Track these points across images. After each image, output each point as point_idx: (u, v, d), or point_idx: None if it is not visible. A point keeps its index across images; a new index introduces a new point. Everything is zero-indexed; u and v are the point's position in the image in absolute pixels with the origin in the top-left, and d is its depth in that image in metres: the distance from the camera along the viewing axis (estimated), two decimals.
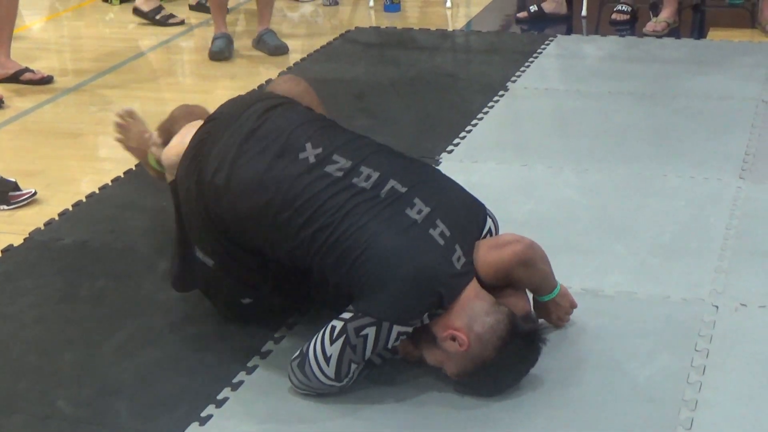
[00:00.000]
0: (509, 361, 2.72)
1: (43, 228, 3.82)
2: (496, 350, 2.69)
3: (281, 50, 6.05)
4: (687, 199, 3.92)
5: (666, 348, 2.98)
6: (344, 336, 2.67)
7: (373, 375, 2.86)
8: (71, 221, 3.88)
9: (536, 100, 5.14)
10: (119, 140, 3.75)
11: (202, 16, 6.85)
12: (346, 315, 2.69)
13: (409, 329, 2.70)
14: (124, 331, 3.13)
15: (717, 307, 3.18)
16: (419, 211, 2.76)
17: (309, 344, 2.75)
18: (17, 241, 3.72)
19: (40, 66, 5.68)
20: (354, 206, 2.75)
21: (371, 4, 7.12)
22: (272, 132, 2.93)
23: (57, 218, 3.90)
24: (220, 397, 2.80)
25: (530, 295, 2.98)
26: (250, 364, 2.94)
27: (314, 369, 2.72)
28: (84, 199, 4.05)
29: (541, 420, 2.70)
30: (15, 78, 5.49)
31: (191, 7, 7.07)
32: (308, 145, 2.87)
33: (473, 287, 2.75)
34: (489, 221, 2.93)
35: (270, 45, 6.05)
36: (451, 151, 4.40)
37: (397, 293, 2.65)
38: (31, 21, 7.07)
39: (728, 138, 4.50)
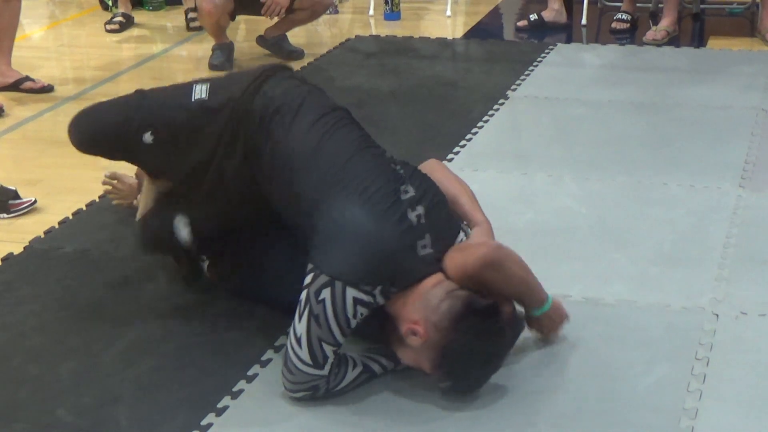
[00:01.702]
0: (468, 340, 2.67)
1: (43, 236, 3.82)
2: (453, 332, 2.66)
3: (297, 55, 6.08)
4: (687, 207, 3.92)
5: (666, 356, 2.98)
6: (308, 307, 2.70)
7: (374, 385, 2.86)
8: (71, 230, 3.88)
9: (536, 108, 5.14)
10: (118, 204, 3.87)
11: None
12: (307, 280, 2.72)
13: (364, 298, 2.69)
14: (124, 339, 3.13)
15: (717, 315, 3.18)
16: (406, 191, 2.82)
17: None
18: (17, 249, 3.72)
19: (41, 75, 5.68)
20: (360, 157, 2.89)
21: (371, 12, 7.13)
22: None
23: (57, 227, 3.90)
24: (220, 405, 2.80)
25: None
26: (250, 373, 2.94)
27: (293, 359, 2.74)
28: (84, 208, 4.05)
29: (542, 428, 2.69)
30: (15, 87, 5.49)
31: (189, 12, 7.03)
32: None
33: (435, 279, 2.75)
34: (462, 236, 2.93)
35: (286, 49, 6.09)
36: (451, 160, 4.40)
37: (349, 251, 2.70)
38: (32, 30, 7.07)
39: (728, 147, 4.50)
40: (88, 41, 6.73)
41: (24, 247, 3.74)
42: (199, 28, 6.69)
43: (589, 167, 4.32)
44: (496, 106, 5.09)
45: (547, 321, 2.97)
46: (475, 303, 2.71)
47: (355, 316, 2.71)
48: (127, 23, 6.91)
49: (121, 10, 6.97)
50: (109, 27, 6.85)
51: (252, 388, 2.89)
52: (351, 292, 2.68)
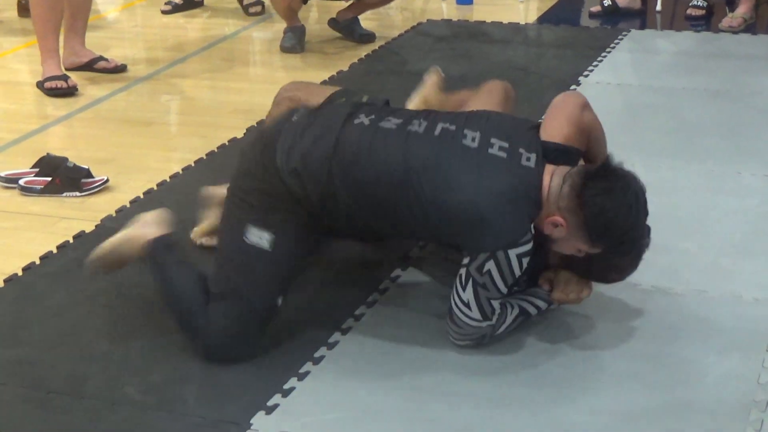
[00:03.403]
0: (601, 201, 2.79)
1: (114, 215, 3.86)
2: (585, 204, 2.78)
3: (369, 38, 6.07)
4: (761, 197, 3.87)
5: (737, 348, 2.94)
6: (471, 279, 2.83)
7: (447, 367, 2.86)
8: (142, 209, 3.88)
9: (608, 95, 5.10)
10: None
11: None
12: (465, 260, 2.85)
13: (526, 248, 2.81)
14: None
15: None
16: (473, 139, 2.91)
17: (451, 298, 2.90)
18: (89, 227, 3.76)
19: (114, 55, 5.73)
20: (411, 146, 2.90)
21: None
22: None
23: (128, 206, 3.93)
24: (286, 386, 2.81)
25: None
26: (316, 355, 2.95)
27: (461, 317, 2.88)
28: (155, 187, 4.08)
29: (607, 416, 2.68)
30: (89, 66, 5.55)
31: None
32: (362, 115, 3.02)
33: (548, 174, 2.86)
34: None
35: (357, 33, 6.09)
36: None
37: (494, 224, 2.80)
38: (106, 10, 7.14)
39: None
40: (161, 22, 6.78)
41: (96, 226, 3.78)
42: (259, 14, 6.72)
43: (661, 155, 4.28)
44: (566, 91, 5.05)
45: None
46: (588, 169, 2.87)
47: (521, 269, 2.83)
48: (185, 5, 6.92)
49: None
50: (163, 8, 6.89)
51: (318, 370, 2.89)
52: (514, 252, 2.80)
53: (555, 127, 2.99)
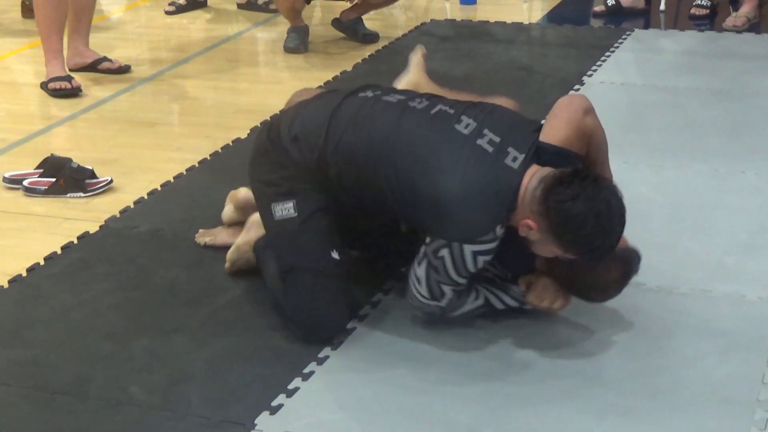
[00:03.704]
0: (566, 208, 2.73)
1: (118, 216, 3.86)
2: (552, 211, 2.74)
3: (372, 38, 6.07)
4: (765, 197, 3.87)
5: (741, 347, 2.94)
6: (426, 259, 2.89)
7: (448, 370, 2.86)
8: (146, 209, 3.92)
9: (612, 94, 5.09)
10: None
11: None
12: (427, 240, 2.89)
13: (484, 247, 2.81)
14: (196, 319, 3.15)
15: None
16: (467, 126, 2.91)
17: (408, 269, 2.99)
18: (93, 228, 3.76)
19: (118, 55, 5.73)
20: (405, 119, 2.94)
21: None
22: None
23: (132, 206, 3.93)
24: (290, 387, 2.81)
25: None
26: (321, 355, 2.95)
27: (414, 291, 2.97)
28: (159, 188, 4.08)
29: (612, 417, 2.67)
30: (93, 67, 5.55)
31: (239, 6, 7.03)
32: (368, 90, 3.11)
33: (529, 174, 2.83)
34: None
35: (361, 33, 6.09)
36: None
37: (456, 217, 2.81)
38: (110, 11, 7.14)
39: None
40: (164, 22, 6.78)
41: (99, 226, 3.78)
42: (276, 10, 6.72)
43: (665, 154, 4.28)
44: (571, 92, 5.05)
45: None
46: (562, 173, 2.79)
47: (475, 266, 2.84)
48: (189, 5, 6.92)
49: None
50: (167, 9, 6.89)
51: (323, 370, 2.90)
52: (469, 248, 2.81)
53: (554, 128, 2.96)
